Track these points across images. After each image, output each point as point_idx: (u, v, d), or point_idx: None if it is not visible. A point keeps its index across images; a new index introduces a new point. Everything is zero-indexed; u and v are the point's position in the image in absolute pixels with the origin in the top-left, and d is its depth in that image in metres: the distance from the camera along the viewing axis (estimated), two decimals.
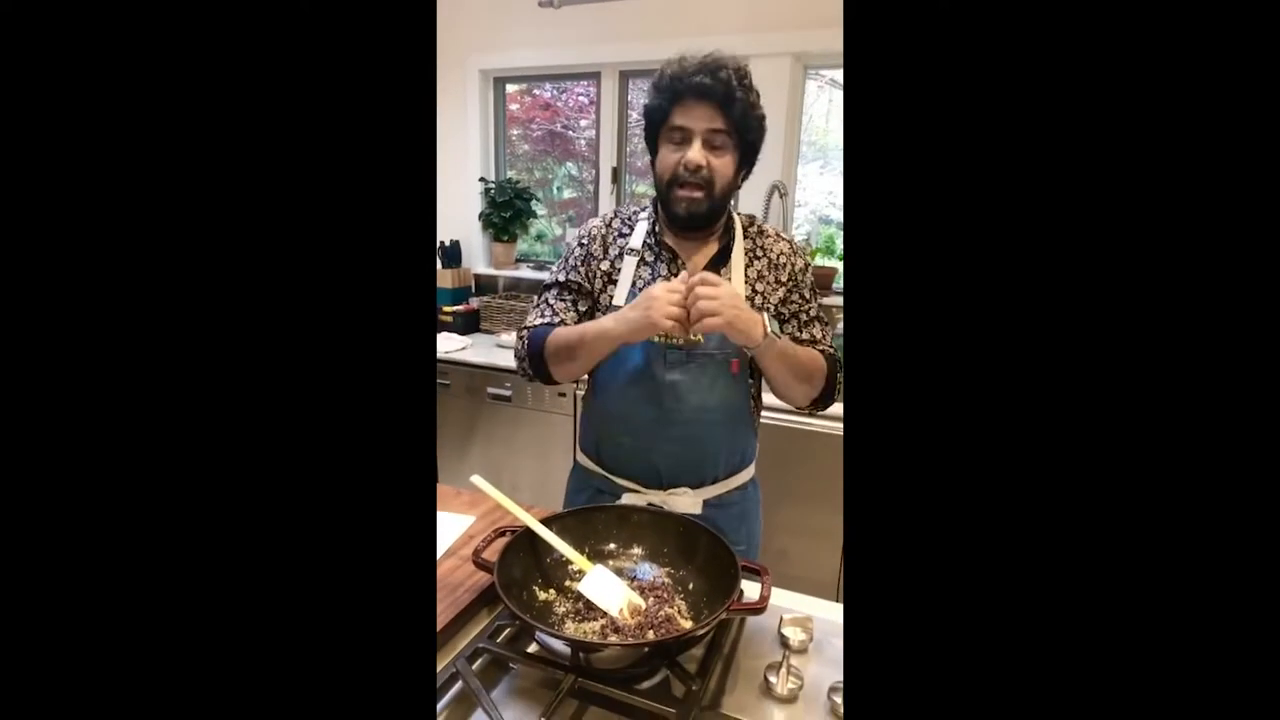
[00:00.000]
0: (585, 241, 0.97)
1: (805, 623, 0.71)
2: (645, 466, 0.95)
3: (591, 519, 0.79)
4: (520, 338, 0.97)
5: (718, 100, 0.85)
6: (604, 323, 0.87)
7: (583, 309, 0.98)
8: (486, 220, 2.45)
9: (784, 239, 0.99)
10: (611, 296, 0.94)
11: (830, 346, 1.00)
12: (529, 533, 0.74)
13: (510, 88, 2.50)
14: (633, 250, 0.94)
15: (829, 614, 0.76)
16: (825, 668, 0.67)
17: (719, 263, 0.94)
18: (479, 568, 0.73)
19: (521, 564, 0.73)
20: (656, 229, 0.95)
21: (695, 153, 0.86)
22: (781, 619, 0.71)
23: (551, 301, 0.98)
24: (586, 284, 0.97)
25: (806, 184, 2.19)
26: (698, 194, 0.87)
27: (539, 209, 2.51)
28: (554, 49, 2.23)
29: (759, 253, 0.96)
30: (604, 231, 0.97)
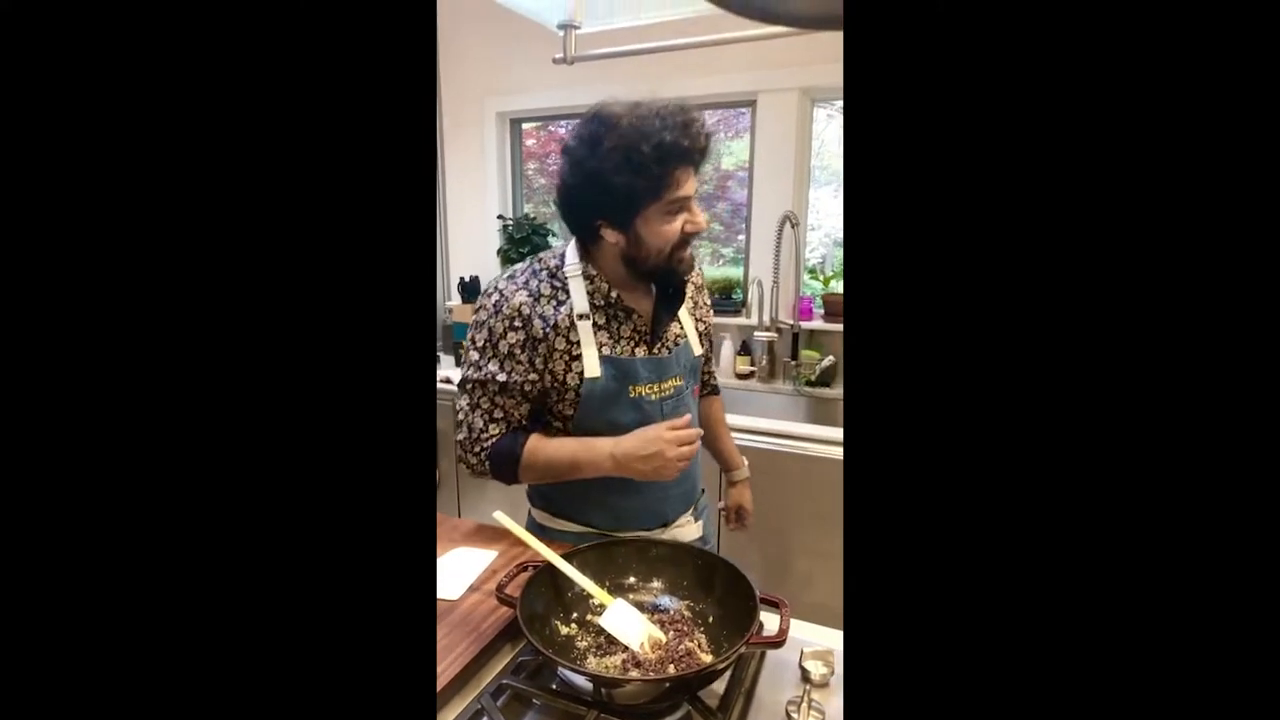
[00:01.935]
0: (518, 324, 0.85)
1: (826, 656, 0.71)
2: (651, 514, 0.95)
3: (611, 552, 0.81)
4: (476, 451, 0.88)
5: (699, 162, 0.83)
6: (599, 456, 0.85)
7: (525, 410, 0.89)
8: (505, 256, 2.51)
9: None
10: (581, 374, 0.87)
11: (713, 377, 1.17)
12: (550, 567, 0.75)
13: (526, 124, 2.59)
14: (583, 315, 0.87)
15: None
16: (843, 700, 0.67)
17: (672, 303, 0.92)
18: (502, 603, 0.74)
19: (543, 598, 0.74)
20: (609, 291, 0.88)
21: (701, 216, 0.85)
22: (802, 652, 0.71)
23: (501, 403, 0.88)
24: (535, 375, 0.86)
25: (821, 208, 2.23)
26: (690, 250, 0.87)
27: (555, 242, 2.57)
28: (567, 91, 2.30)
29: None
30: (536, 307, 0.86)
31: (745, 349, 2.12)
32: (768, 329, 2.05)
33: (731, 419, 1.55)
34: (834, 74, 1.90)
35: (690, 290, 0.96)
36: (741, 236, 2.25)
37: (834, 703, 0.67)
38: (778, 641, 0.65)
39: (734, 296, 2.21)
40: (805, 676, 0.70)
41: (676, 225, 0.83)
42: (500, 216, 2.55)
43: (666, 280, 0.90)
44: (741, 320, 2.14)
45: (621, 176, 0.78)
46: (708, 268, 2.36)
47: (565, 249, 0.91)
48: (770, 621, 0.74)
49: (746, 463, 1.19)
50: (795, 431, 1.66)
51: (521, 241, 2.45)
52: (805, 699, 0.64)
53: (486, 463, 0.89)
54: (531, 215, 2.54)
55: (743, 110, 2.17)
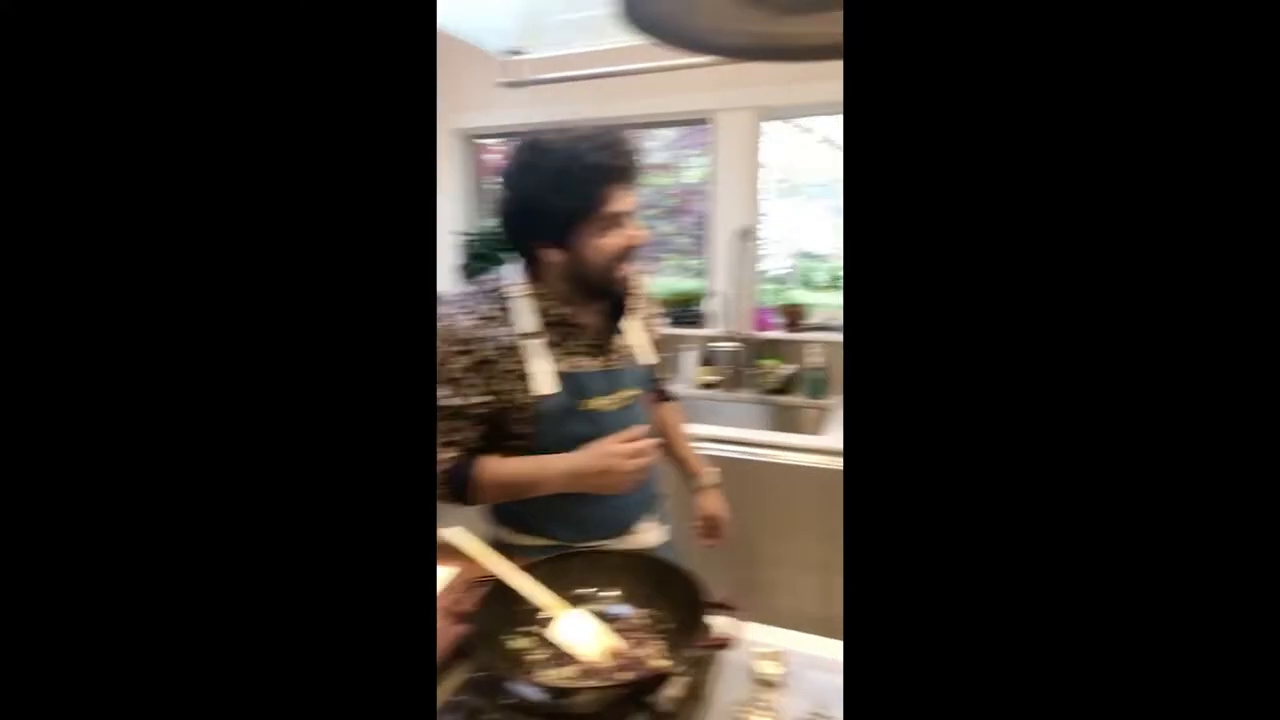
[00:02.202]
0: (465, 349, 0.86)
1: (778, 656, 0.73)
2: (613, 522, 0.96)
3: (567, 564, 0.81)
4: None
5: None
6: (553, 473, 0.86)
7: (478, 433, 0.90)
8: (467, 271, 2.50)
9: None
10: (533, 392, 0.87)
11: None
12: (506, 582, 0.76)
13: (487, 140, 2.60)
14: (530, 334, 0.87)
15: (802, 646, 0.78)
16: (798, 699, 0.69)
17: (618, 315, 0.93)
18: (456, 619, 0.75)
19: (497, 613, 0.74)
20: (555, 308, 0.89)
21: (639, 230, 0.86)
22: (754, 654, 0.73)
23: (453, 427, 0.88)
24: (485, 397, 0.87)
25: (784, 220, 2.31)
26: (632, 263, 0.89)
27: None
28: (524, 109, 2.32)
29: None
30: (482, 329, 0.87)
31: (708, 360, 2.15)
32: (729, 340, 2.08)
33: (695, 428, 1.57)
34: (788, 94, 1.96)
35: (637, 301, 0.98)
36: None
37: (785, 702, 0.69)
38: (722, 643, 0.66)
39: (696, 308, 2.24)
40: (756, 677, 0.71)
41: (614, 241, 0.85)
42: (464, 233, 2.54)
43: (612, 294, 0.91)
44: (704, 331, 2.18)
45: (555, 199, 0.81)
46: (673, 280, 2.39)
47: (508, 269, 0.93)
48: (730, 627, 0.76)
49: (715, 469, 1.16)
50: (757, 439, 1.69)
51: (484, 257, 2.46)
52: (757, 699, 0.65)
53: (442, 488, 0.90)
54: (495, 228, 2.55)
55: (706, 125, 2.22)
